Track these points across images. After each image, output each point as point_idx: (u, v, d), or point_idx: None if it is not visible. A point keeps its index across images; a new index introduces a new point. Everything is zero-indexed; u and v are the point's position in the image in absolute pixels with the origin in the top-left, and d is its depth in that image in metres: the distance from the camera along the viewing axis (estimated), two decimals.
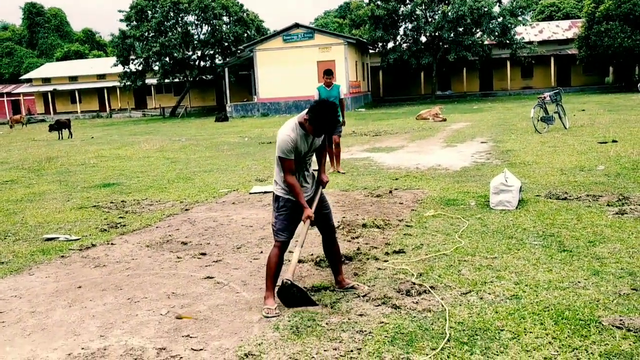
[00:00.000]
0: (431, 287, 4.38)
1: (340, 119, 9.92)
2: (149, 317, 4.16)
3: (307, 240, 5.58)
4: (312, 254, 5.43)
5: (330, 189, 8.83)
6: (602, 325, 3.57)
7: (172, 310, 4.26)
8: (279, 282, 4.21)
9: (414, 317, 3.88)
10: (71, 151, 18.44)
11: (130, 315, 4.20)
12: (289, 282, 4.04)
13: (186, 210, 7.92)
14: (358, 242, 5.75)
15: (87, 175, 12.10)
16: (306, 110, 4.13)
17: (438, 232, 5.98)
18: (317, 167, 4.51)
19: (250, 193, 8.87)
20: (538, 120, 15.14)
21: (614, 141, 12.07)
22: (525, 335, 3.51)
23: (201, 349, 3.59)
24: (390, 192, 8.27)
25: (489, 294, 4.20)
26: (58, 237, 6.60)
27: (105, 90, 53.65)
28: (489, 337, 3.52)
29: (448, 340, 3.50)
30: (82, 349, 3.69)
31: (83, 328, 4.01)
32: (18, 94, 58.52)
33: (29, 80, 58.33)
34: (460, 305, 4.03)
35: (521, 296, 4.12)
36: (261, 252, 5.66)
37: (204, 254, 5.67)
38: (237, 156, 14.38)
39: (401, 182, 9.06)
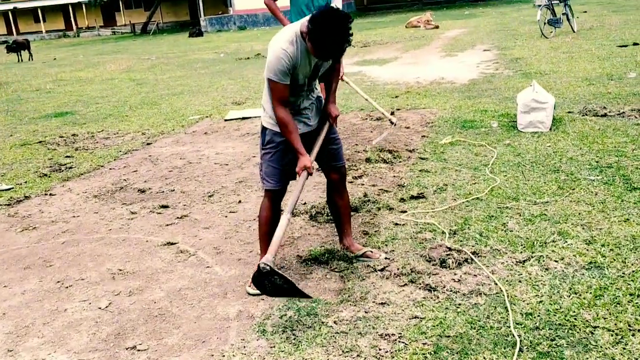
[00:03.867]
0: (473, 252, 3.18)
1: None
2: (82, 313, 2.95)
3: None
4: (304, 203, 4.19)
5: None
6: None
7: (115, 300, 3.05)
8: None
9: (459, 305, 2.70)
10: (28, 75, 16.64)
11: (56, 312, 2.98)
12: (268, 267, 2.63)
13: (148, 144, 6.56)
14: (363, 184, 4.50)
15: (39, 104, 10.54)
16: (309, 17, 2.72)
17: (462, 165, 4.74)
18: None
19: (226, 120, 7.50)
20: (545, 24, 13.59)
21: (635, 44, 10.69)
22: (634, 336, 2.36)
23: None
24: (392, 113, 6.91)
25: (556, 261, 3.02)
26: None
27: (71, 7, 50.08)
28: (579, 341, 2.36)
29: (520, 350, 2.33)
30: None
31: None
32: None
33: None
34: (520, 282, 2.86)
35: (603, 264, 2.94)
36: (239, 201, 4.41)
37: (165, 207, 4.40)
38: (211, 75, 12.81)
39: (403, 101, 7.71)
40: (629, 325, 2.43)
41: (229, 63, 15.15)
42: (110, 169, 5.67)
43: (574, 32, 13.75)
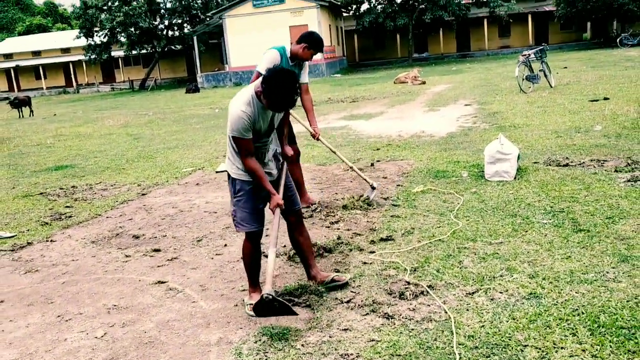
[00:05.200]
0: (429, 286, 3.59)
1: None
2: (80, 342, 3.31)
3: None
4: (284, 245, 4.60)
5: (305, 163, 7.96)
6: None
7: (110, 330, 3.41)
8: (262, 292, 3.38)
9: (412, 330, 3.09)
10: (29, 130, 17.23)
11: (57, 341, 3.34)
12: (270, 296, 3.25)
13: (143, 194, 7.00)
14: (338, 229, 4.93)
15: (41, 158, 11.05)
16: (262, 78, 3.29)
17: (430, 211, 5.18)
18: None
19: (217, 172, 7.97)
20: (523, 80, 14.36)
21: (605, 98, 11.36)
22: (556, 352, 2.74)
23: None
24: (372, 164, 7.44)
25: (501, 292, 3.43)
26: None
27: (71, 65, 51.54)
28: (509, 357, 2.74)
29: None
30: None
31: None
32: None
33: None
34: (467, 310, 3.25)
35: (541, 295, 3.35)
36: (225, 244, 4.82)
37: (157, 251, 4.81)
38: (205, 129, 13.40)
39: (383, 153, 8.23)
40: (554, 344, 2.82)
41: (223, 118, 15.77)
42: (107, 217, 6.09)
43: (551, 87, 14.49)
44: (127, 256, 4.75)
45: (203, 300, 3.76)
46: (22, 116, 23.92)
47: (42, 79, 52.45)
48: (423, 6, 37.19)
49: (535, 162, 6.68)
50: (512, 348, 2.81)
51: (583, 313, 3.08)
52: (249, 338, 3.16)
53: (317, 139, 5.44)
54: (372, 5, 39.38)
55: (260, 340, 3.12)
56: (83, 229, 5.73)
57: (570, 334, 2.89)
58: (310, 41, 4.95)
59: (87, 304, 3.84)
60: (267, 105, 3.23)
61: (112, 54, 45.31)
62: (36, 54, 54.06)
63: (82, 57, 47.70)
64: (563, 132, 8.36)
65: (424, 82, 21.07)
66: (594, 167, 6.24)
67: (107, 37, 42.76)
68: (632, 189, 5.26)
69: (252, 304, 3.47)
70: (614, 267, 3.63)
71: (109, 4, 41.33)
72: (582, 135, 8.06)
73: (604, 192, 5.24)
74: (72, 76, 52.03)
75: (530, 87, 14.33)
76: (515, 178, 6.00)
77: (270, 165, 3.58)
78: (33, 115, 24.11)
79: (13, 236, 5.62)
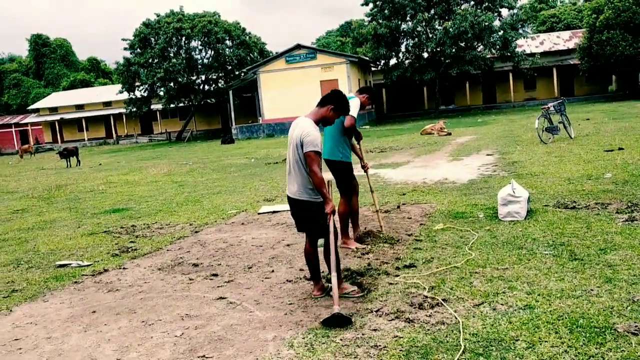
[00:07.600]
0: (443, 299, 4.38)
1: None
2: (164, 339, 4.18)
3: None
4: (301, 269, 5.44)
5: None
6: (617, 332, 3.56)
7: (186, 332, 4.28)
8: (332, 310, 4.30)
9: (428, 330, 3.88)
10: (80, 178, 18.58)
11: (145, 338, 4.22)
12: (340, 314, 4.14)
13: (196, 232, 7.96)
14: (368, 258, 5.77)
15: (97, 202, 12.18)
16: (310, 114, 4.54)
17: (448, 245, 5.98)
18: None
19: (259, 213, 8.91)
20: (543, 131, 15.16)
21: (620, 149, 12.06)
22: (541, 344, 3.51)
23: None
24: (398, 207, 8.29)
25: (502, 304, 4.20)
26: (70, 264, 6.65)
27: (112, 117, 54.15)
28: (504, 347, 3.51)
29: (463, 352, 3.50)
30: None
31: (99, 352, 4.04)
32: (26, 124, 59.18)
33: (37, 110, 59.01)
34: (473, 316, 4.03)
35: (534, 306, 4.11)
36: (272, 270, 5.68)
37: (215, 275, 5.70)
38: (244, 177, 14.45)
39: (409, 197, 9.07)
40: (540, 339, 3.58)
41: (259, 167, 16.88)
42: (167, 250, 7.03)
43: (571, 138, 15.22)
44: (190, 279, 5.64)
45: (258, 311, 4.60)
46: (70, 166, 25.51)
47: (84, 130, 55.11)
48: (449, 61, 38.52)
49: (545, 205, 7.44)
50: (506, 341, 3.59)
51: (566, 318, 3.84)
52: (298, 336, 3.99)
53: (366, 171, 6.61)
54: (400, 60, 40.91)
55: (307, 337, 3.94)
56: (148, 259, 6.67)
57: (553, 332, 3.65)
58: (371, 93, 6.51)
59: (164, 314, 4.72)
60: (334, 118, 4.48)
61: (151, 107, 47.62)
62: (79, 107, 56.97)
63: (122, 110, 50.21)
64: (575, 179, 9.10)
65: (449, 134, 21.98)
66: (598, 209, 6.97)
67: (147, 92, 45.12)
68: (628, 226, 5.99)
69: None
70: (598, 287, 4.37)
71: (150, 60, 43.83)
72: (592, 182, 8.78)
73: (602, 229, 5.98)
74: (112, 128, 54.55)
75: (550, 138, 15.08)
76: (525, 218, 6.77)
77: None
78: (80, 165, 25.69)
79: (90, 265, 6.59)
